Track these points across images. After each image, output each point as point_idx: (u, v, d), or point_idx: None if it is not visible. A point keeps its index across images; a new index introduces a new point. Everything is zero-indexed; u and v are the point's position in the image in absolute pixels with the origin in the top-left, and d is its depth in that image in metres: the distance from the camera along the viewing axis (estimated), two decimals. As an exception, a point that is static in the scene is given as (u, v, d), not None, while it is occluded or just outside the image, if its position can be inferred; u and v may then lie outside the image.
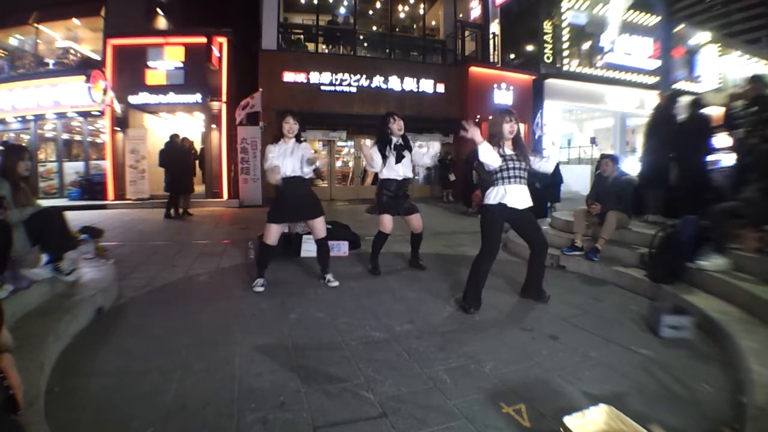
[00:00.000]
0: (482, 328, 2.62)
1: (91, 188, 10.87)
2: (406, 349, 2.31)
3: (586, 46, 15.14)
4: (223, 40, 10.92)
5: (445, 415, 1.69)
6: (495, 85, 13.03)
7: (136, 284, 3.53)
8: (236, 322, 2.69)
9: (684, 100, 4.72)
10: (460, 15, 14.03)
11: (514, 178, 2.85)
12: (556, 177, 7.90)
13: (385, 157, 3.68)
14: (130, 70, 10.64)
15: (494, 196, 2.87)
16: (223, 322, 2.70)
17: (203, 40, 10.43)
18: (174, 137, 8.30)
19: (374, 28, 14.40)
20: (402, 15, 14.37)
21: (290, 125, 3.27)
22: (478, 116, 12.36)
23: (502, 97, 13.11)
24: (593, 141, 14.52)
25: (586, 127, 17.94)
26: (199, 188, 10.25)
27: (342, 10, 13.77)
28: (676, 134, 4.45)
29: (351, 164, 13.17)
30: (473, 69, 12.88)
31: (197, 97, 10.76)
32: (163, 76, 10.80)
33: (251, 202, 10.30)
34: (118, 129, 10.72)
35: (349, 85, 11.93)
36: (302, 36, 13.28)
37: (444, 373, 2.03)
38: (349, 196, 12.34)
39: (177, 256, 4.61)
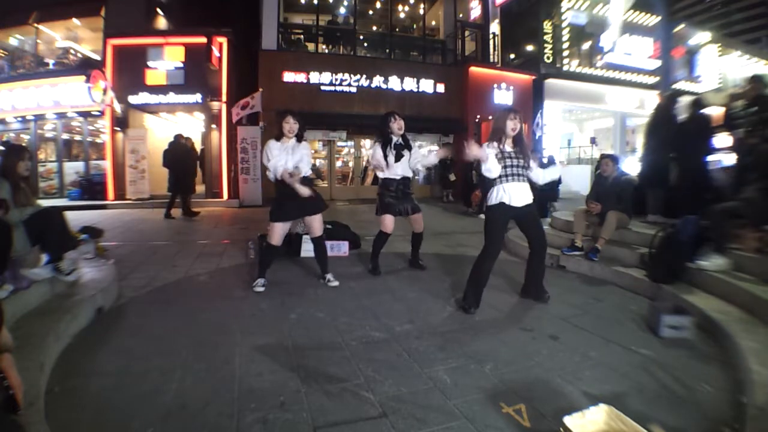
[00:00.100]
0: (482, 328, 2.62)
1: (91, 188, 10.88)
2: (406, 349, 2.31)
3: (586, 46, 15.15)
4: (223, 40, 10.92)
5: (445, 415, 1.69)
6: (495, 85, 13.04)
7: (136, 284, 3.53)
8: (236, 322, 2.69)
9: (684, 100, 4.72)
10: (460, 15, 14.04)
11: (512, 176, 2.85)
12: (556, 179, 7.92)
13: (385, 157, 3.68)
14: (130, 70, 10.64)
15: (495, 196, 2.88)
16: (223, 322, 2.70)
17: (203, 40, 10.43)
18: (178, 137, 8.24)
19: (374, 28, 14.41)
20: (402, 15, 14.38)
21: (290, 125, 3.27)
22: (478, 116, 12.38)
23: (502, 97, 13.12)
24: (593, 141, 14.54)
25: (586, 127, 17.94)
26: (199, 188, 10.24)
27: (342, 10, 13.78)
28: (676, 134, 4.45)
29: (351, 164, 13.17)
30: (473, 69, 12.89)
31: (197, 97, 10.77)
32: (163, 76, 10.81)
33: (251, 202, 10.31)
34: (118, 129, 10.73)
35: (349, 85, 11.93)
36: (302, 36, 13.29)
37: (444, 373, 2.03)
38: (349, 196, 12.34)
39: (177, 256, 4.61)
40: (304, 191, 3.21)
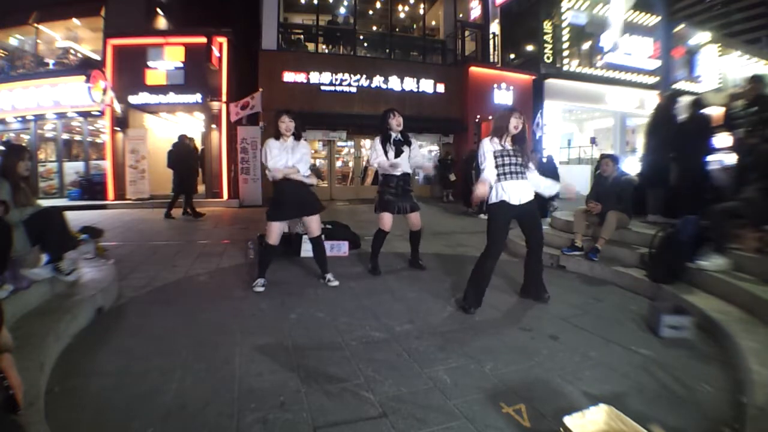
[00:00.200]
0: (482, 328, 2.62)
1: (91, 188, 10.88)
2: (406, 349, 2.31)
3: (586, 46, 15.14)
4: (223, 40, 10.92)
5: (445, 415, 1.69)
6: (495, 85, 13.04)
7: (136, 284, 3.53)
8: (236, 322, 2.69)
9: (684, 100, 4.72)
10: (460, 15, 14.04)
11: (511, 174, 2.85)
12: (553, 177, 7.95)
13: (385, 153, 3.69)
14: (130, 70, 10.64)
15: (495, 195, 2.88)
16: (223, 322, 2.70)
17: (203, 40, 10.43)
18: (182, 137, 8.23)
19: (374, 28, 14.40)
20: (402, 15, 14.38)
21: (286, 124, 3.28)
22: (478, 116, 12.38)
23: (502, 97, 13.11)
24: (593, 141, 14.52)
25: (586, 127, 17.93)
26: (200, 188, 10.25)
27: (342, 10, 13.77)
28: (676, 134, 4.45)
29: (351, 164, 13.17)
30: (473, 69, 12.89)
31: (197, 97, 10.77)
32: (163, 76, 10.81)
33: (251, 202, 10.31)
34: (118, 129, 10.73)
35: (349, 85, 11.93)
36: (302, 36, 13.28)
37: (444, 373, 2.03)
38: (349, 196, 12.34)
39: (177, 256, 4.61)
40: (311, 180, 3.36)
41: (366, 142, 12.48)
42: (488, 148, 2.88)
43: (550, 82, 13.82)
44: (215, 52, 10.59)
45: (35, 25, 11.71)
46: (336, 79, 11.81)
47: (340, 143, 12.81)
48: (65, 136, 12.05)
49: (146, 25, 11.71)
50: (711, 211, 3.18)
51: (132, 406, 1.75)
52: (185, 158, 8.06)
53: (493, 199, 2.89)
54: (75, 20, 11.88)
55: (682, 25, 16.50)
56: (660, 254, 3.23)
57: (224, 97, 10.98)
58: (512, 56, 15.56)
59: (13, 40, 12.63)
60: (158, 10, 12.54)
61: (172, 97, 10.72)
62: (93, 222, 5.28)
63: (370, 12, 14.30)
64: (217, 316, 2.82)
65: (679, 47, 15.89)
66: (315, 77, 11.66)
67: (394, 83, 12.29)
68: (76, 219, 4.93)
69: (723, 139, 4.51)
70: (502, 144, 2.89)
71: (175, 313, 2.88)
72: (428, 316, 2.81)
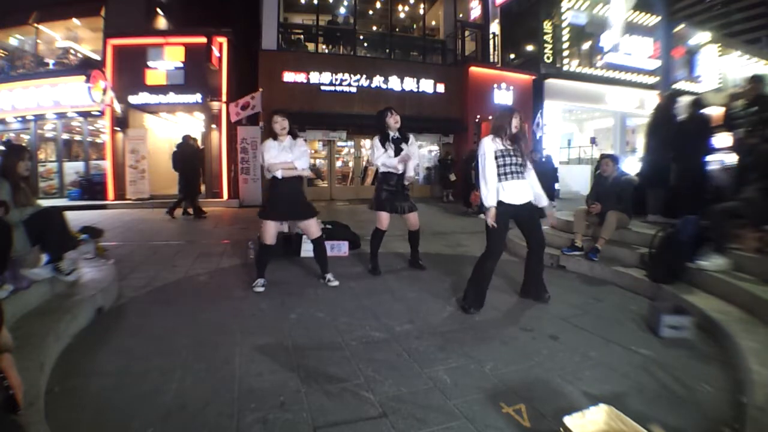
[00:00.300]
0: (482, 328, 2.62)
1: (91, 188, 10.88)
2: (406, 349, 2.31)
3: (586, 46, 15.15)
4: (223, 40, 10.93)
5: (445, 415, 1.69)
6: (495, 85, 13.04)
7: (136, 284, 3.53)
8: (236, 322, 2.69)
9: (684, 100, 4.72)
10: (460, 15, 14.04)
11: (511, 174, 2.84)
12: (552, 177, 8.03)
13: (384, 151, 3.70)
14: (130, 70, 10.65)
15: (503, 194, 2.85)
16: (223, 322, 2.70)
17: (203, 40, 10.43)
18: (187, 138, 8.22)
19: (374, 28, 14.41)
20: (402, 15, 14.38)
21: (279, 123, 3.29)
22: (478, 116, 12.38)
23: (502, 97, 13.12)
24: (593, 141, 14.53)
25: (586, 127, 17.94)
26: (200, 188, 10.26)
27: (342, 10, 13.77)
28: (675, 134, 4.45)
29: (351, 164, 13.17)
30: (473, 69, 12.89)
31: (197, 97, 10.77)
32: (163, 76, 10.81)
33: (251, 202, 10.31)
34: (118, 129, 10.73)
35: (349, 85, 11.93)
36: (302, 36, 13.29)
37: (444, 373, 2.03)
38: (349, 196, 12.34)
39: (177, 256, 4.61)
40: (306, 173, 3.39)
41: (366, 142, 12.48)
42: (489, 147, 2.86)
43: (550, 82, 13.83)
44: (215, 52, 10.59)
45: (35, 25, 11.72)
46: (336, 79, 11.81)
47: (340, 143, 12.82)
48: (65, 136, 12.06)
49: (146, 25, 11.71)
50: (711, 211, 3.18)
51: (132, 406, 1.75)
52: (190, 159, 8.05)
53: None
54: (75, 20, 11.88)
55: (682, 25, 16.50)
56: (660, 254, 3.23)
57: (224, 97, 10.98)
58: (512, 56, 15.57)
59: (13, 40, 12.64)
60: (158, 10, 12.54)
61: (172, 97, 10.73)
62: (93, 222, 5.28)
63: (370, 12, 14.30)
64: (217, 316, 2.82)
65: (679, 47, 15.89)
66: (315, 77, 11.66)
67: (394, 83, 12.29)
68: (76, 219, 4.93)
69: (723, 139, 4.51)
70: (503, 143, 2.88)
71: (175, 313, 2.88)
72: (428, 316, 2.81)
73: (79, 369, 2.06)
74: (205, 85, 10.76)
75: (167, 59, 10.83)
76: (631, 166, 7.64)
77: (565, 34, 14.10)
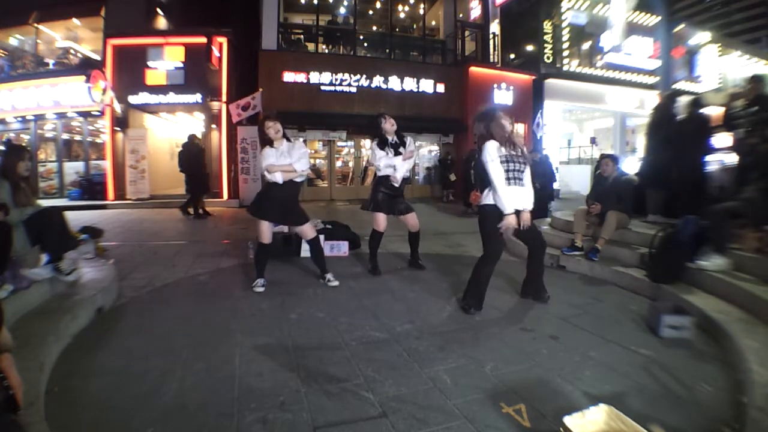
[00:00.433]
0: (482, 328, 2.62)
1: (91, 188, 10.88)
2: (406, 349, 2.31)
3: (586, 46, 15.15)
4: (223, 40, 10.92)
5: (445, 415, 1.69)
6: (495, 85, 13.04)
7: (136, 284, 3.53)
8: (236, 322, 2.69)
9: (683, 100, 4.72)
10: (460, 15, 14.04)
11: (514, 179, 2.79)
12: (550, 177, 8.05)
13: (385, 154, 3.71)
14: (130, 70, 10.65)
15: (491, 197, 2.81)
16: (223, 322, 2.70)
17: (203, 40, 10.43)
18: (192, 137, 8.23)
19: (374, 28, 14.41)
20: (402, 15, 14.38)
21: (273, 127, 3.28)
22: (478, 116, 12.36)
23: (502, 97, 13.12)
24: (593, 141, 14.55)
25: (586, 127, 17.95)
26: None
27: (342, 10, 13.77)
28: (675, 134, 4.45)
29: (351, 164, 13.17)
30: (473, 69, 12.89)
31: (197, 97, 10.77)
32: (163, 76, 10.81)
33: (249, 204, 10.29)
34: (118, 129, 10.73)
35: (349, 85, 11.93)
36: (302, 36, 13.29)
37: (444, 373, 2.03)
38: (349, 196, 12.34)
39: (177, 256, 4.61)
40: (305, 174, 3.40)
41: (366, 142, 12.48)
42: (495, 154, 2.74)
43: (550, 82, 13.83)
44: (215, 52, 10.59)
45: (35, 25, 11.71)
46: (336, 79, 11.81)
47: (340, 143, 12.82)
48: (65, 136, 12.06)
49: (146, 25, 11.72)
50: (711, 211, 3.18)
51: (132, 406, 1.75)
52: (195, 158, 8.05)
53: (489, 201, 2.82)
54: (75, 20, 11.88)
55: (682, 25, 16.51)
56: (660, 254, 3.23)
57: (224, 97, 10.98)
58: (512, 56, 15.57)
59: (13, 40, 12.64)
60: (158, 10, 12.54)
61: (172, 97, 10.72)
62: (93, 222, 5.28)
63: (370, 12, 14.30)
64: (217, 316, 2.82)
65: (679, 47, 15.90)
66: (315, 77, 11.66)
67: (394, 83, 12.29)
68: (76, 219, 4.93)
69: (723, 139, 4.51)
70: (507, 149, 2.81)
71: (175, 313, 2.88)
72: (428, 316, 2.81)
73: (79, 369, 2.06)
74: (205, 85, 10.76)
75: (167, 59, 10.83)
76: (631, 165, 7.64)
77: (565, 34, 14.10)
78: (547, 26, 13.90)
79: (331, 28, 13.51)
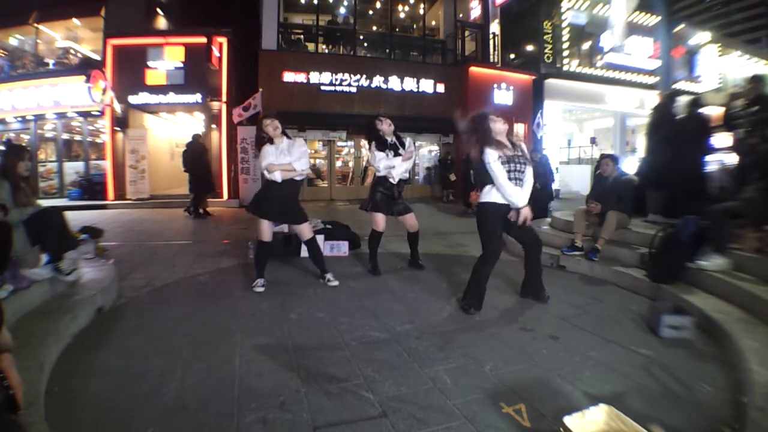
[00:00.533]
0: (482, 328, 2.62)
1: (91, 188, 10.87)
2: (406, 349, 2.31)
3: (586, 46, 15.15)
4: (223, 40, 10.92)
5: (445, 415, 1.69)
6: (495, 85, 13.04)
7: (136, 284, 3.53)
8: (236, 322, 2.69)
9: (683, 99, 4.72)
10: (460, 15, 14.04)
11: (514, 180, 2.79)
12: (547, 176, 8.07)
13: (385, 156, 3.71)
14: (130, 70, 10.64)
15: (497, 194, 2.80)
16: (223, 322, 2.70)
17: (203, 40, 10.43)
18: (196, 137, 8.23)
19: (374, 28, 14.40)
20: (402, 15, 14.38)
21: (271, 124, 3.28)
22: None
23: (502, 97, 13.12)
24: (593, 141, 14.54)
25: (586, 127, 17.95)
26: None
27: (342, 10, 13.77)
28: (675, 134, 4.44)
29: (351, 164, 13.17)
30: (473, 69, 12.89)
31: (197, 97, 10.76)
32: (163, 76, 10.80)
33: (249, 202, 10.29)
34: (118, 129, 10.73)
35: (349, 85, 11.93)
36: (302, 36, 13.29)
37: (444, 373, 2.03)
38: (349, 196, 12.33)
39: (177, 256, 4.61)
40: (305, 173, 3.39)
41: (366, 142, 12.48)
42: (495, 155, 2.75)
43: (550, 82, 13.83)
44: (215, 52, 10.59)
45: (35, 25, 11.70)
46: (336, 79, 11.81)
47: (340, 143, 12.81)
48: (65, 136, 12.05)
49: (146, 25, 11.71)
50: (711, 211, 3.18)
51: (132, 406, 1.75)
52: (200, 158, 8.04)
53: (493, 199, 2.82)
54: (75, 20, 11.87)
55: (682, 25, 16.50)
56: (660, 254, 3.23)
57: (224, 97, 10.98)
58: (512, 56, 15.57)
59: (13, 40, 12.63)
60: (158, 10, 12.54)
61: (172, 97, 10.72)
62: (93, 222, 5.28)
63: (370, 12, 14.30)
64: (217, 316, 2.82)
65: (679, 47, 15.89)
66: (315, 77, 11.66)
67: (394, 83, 12.29)
68: (76, 219, 4.93)
69: (723, 139, 4.51)
70: (507, 152, 2.79)
71: (175, 313, 2.88)
72: (428, 316, 2.81)
73: (79, 369, 2.06)
74: (205, 85, 10.75)
75: (167, 59, 10.82)
76: (631, 165, 7.65)
77: (565, 34, 14.10)
78: (547, 26, 13.89)
79: (331, 28, 13.50)
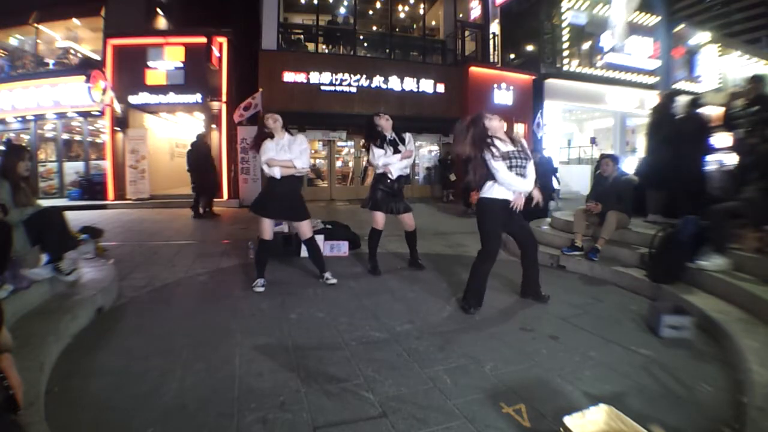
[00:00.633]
0: (482, 328, 2.62)
1: (91, 188, 10.87)
2: (406, 349, 2.31)
3: (586, 46, 15.15)
4: (223, 40, 10.92)
5: (445, 415, 1.69)
6: (495, 85, 13.03)
7: (136, 284, 3.53)
8: (236, 322, 2.69)
9: (682, 99, 4.72)
10: (460, 15, 14.03)
11: (519, 176, 2.81)
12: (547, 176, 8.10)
13: (384, 153, 3.71)
14: (130, 70, 10.64)
15: (497, 190, 2.80)
16: (223, 322, 2.70)
17: (203, 40, 10.42)
18: (201, 137, 8.21)
19: (374, 28, 14.40)
20: (402, 15, 14.37)
21: (271, 118, 3.29)
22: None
23: (502, 97, 13.11)
24: (593, 141, 14.53)
25: (586, 127, 17.94)
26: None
27: (342, 10, 13.77)
28: (674, 134, 4.45)
29: (351, 164, 13.17)
30: (473, 69, 12.88)
31: (197, 97, 10.76)
32: (163, 76, 10.80)
33: (251, 202, 10.29)
34: (118, 129, 10.73)
35: (349, 85, 11.93)
36: (302, 36, 13.28)
37: (444, 373, 2.03)
38: (349, 196, 12.34)
39: (177, 256, 4.61)
40: (304, 171, 3.38)
41: (364, 142, 12.47)
42: (495, 152, 2.75)
43: (550, 82, 13.82)
44: (215, 52, 10.58)
45: (35, 25, 11.70)
46: (336, 79, 11.80)
47: (340, 143, 12.81)
48: (65, 136, 12.04)
49: (146, 25, 11.71)
50: (711, 211, 3.18)
51: (132, 406, 1.75)
52: (204, 158, 8.03)
53: (494, 195, 2.81)
54: (75, 20, 11.86)
55: (682, 25, 16.49)
56: (660, 254, 3.23)
57: (224, 97, 10.98)
58: (512, 56, 15.56)
59: (13, 40, 12.62)
60: (158, 10, 12.53)
61: (172, 97, 10.71)
62: (93, 222, 5.28)
63: (370, 12, 14.29)
64: (217, 316, 2.82)
65: (679, 47, 15.88)
66: (315, 77, 11.66)
67: (394, 83, 12.29)
68: (76, 219, 4.94)
69: (723, 139, 4.51)
70: (507, 149, 2.80)
71: (175, 313, 2.88)
72: (428, 316, 2.81)
73: (79, 369, 2.06)
74: (205, 85, 10.75)
75: (167, 59, 10.82)
76: (631, 165, 7.65)
77: (565, 34, 14.10)
78: (547, 26, 13.89)
79: (331, 28, 13.50)
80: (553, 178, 8.63)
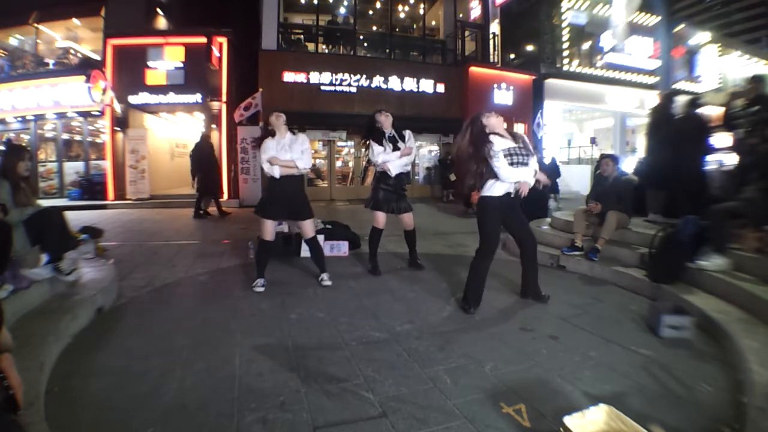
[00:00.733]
0: (482, 328, 2.62)
1: (91, 188, 10.87)
2: (406, 349, 2.31)
3: (586, 46, 15.15)
4: (223, 40, 10.92)
5: (445, 415, 1.69)
6: (495, 85, 13.03)
7: (136, 284, 3.53)
8: (236, 322, 2.69)
9: (682, 99, 4.72)
10: (460, 15, 14.03)
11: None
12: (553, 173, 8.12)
13: (383, 150, 3.71)
14: (130, 70, 10.64)
15: (498, 187, 2.81)
16: (223, 322, 2.70)
17: (203, 40, 10.42)
18: (205, 137, 8.21)
19: (374, 28, 14.40)
20: (402, 15, 14.37)
21: (275, 116, 3.33)
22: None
23: (502, 97, 13.11)
24: (593, 141, 14.53)
25: (586, 127, 17.95)
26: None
27: (342, 10, 13.76)
28: (674, 134, 4.44)
29: (351, 164, 13.17)
30: (473, 69, 12.88)
31: (197, 97, 10.76)
32: (163, 76, 10.80)
33: (251, 202, 10.29)
34: (118, 129, 10.73)
35: (349, 85, 11.93)
36: (302, 36, 13.28)
37: (444, 373, 2.03)
38: (349, 196, 12.34)
39: (177, 256, 4.61)
40: (305, 171, 3.40)
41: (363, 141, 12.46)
42: (499, 146, 2.75)
43: (550, 82, 13.83)
44: (215, 52, 10.58)
45: (35, 25, 11.70)
46: (336, 79, 11.80)
47: (340, 143, 12.81)
48: (65, 136, 12.04)
49: (146, 25, 11.71)
50: (711, 211, 3.18)
51: (132, 406, 1.75)
52: (208, 158, 8.04)
53: (495, 193, 2.82)
54: (75, 20, 11.87)
55: (682, 25, 16.50)
56: (660, 254, 3.23)
57: (224, 97, 10.98)
58: (512, 56, 15.57)
59: (13, 40, 12.62)
60: (158, 10, 12.54)
61: (172, 97, 10.72)
62: (93, 222, 5.29)
63: (370, 12, 14.29)
64: (217, 316, 2.82)
65: (679, 47, 15.89)
66: (315, 77, 11.65)
67: (394, 83, 12.29)
68: (76, 219, 4.94)
69: (723, 139, 4.51)
70: (510, 141, 2.81)
71: (175, 313, 2.88)
72: (428, 316, 2.81)
73: (79, 369, 2.06)
74: (205, 85, 10.75)
75: (167, 59, 10.82)
76: (631, 165, 7.65)
77: (565, 34, 14.10)
78: (547, 26, 13.89)
79: (331, 28, 13.50)
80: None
